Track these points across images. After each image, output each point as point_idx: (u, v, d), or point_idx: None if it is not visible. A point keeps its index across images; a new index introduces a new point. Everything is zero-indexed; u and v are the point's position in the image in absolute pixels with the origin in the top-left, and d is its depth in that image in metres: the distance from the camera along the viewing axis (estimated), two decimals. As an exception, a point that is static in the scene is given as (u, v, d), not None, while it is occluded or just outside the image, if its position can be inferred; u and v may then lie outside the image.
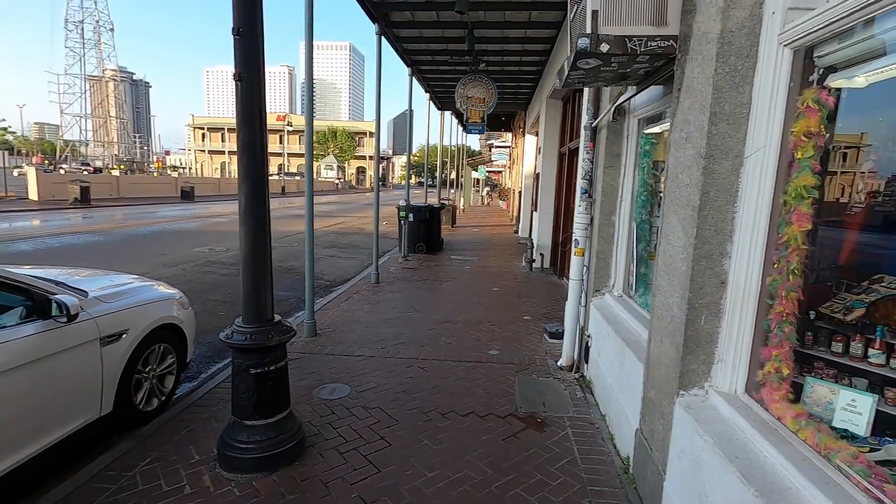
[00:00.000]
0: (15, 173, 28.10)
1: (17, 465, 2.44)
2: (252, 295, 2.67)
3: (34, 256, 9.26)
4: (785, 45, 1.84)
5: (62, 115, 76.33)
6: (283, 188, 43.15)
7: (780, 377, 1.88)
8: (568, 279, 5.16)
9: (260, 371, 2.69)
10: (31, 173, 22.56)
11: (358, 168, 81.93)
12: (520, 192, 16.01)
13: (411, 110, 10.19)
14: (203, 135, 79.97)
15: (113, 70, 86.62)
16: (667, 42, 2.43)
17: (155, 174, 53.84)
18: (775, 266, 1.91)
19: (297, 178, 51.82)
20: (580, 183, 4.27)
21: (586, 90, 4.14)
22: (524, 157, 14.80)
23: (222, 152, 78.80)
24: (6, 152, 23.47)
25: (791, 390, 1.86)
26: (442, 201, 15.02)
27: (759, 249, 1.97)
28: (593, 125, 4.17)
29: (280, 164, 63.68)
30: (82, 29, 76.06)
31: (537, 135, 11.73)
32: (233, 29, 2.49)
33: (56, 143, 76.97)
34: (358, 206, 29.37)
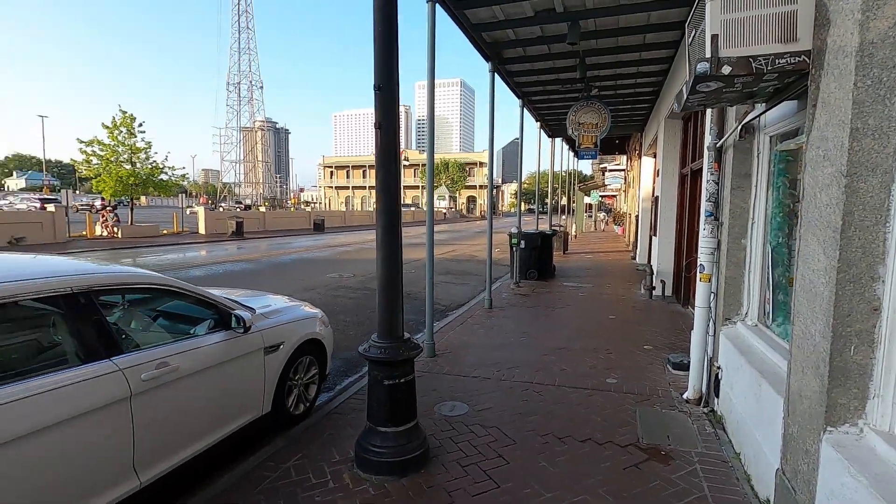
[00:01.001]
0: (188, 212, 33.88)
1: (207, 448, 3.00)
2: (386, 314, 3.02)
3: (205, 280, 11.06)
4: (939, 53, 1.70)
5: (222, 161, 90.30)
6: (400, 219, 45.69)
7: (956, 417, 1.67)
8: (692, 307, 4.86)
9: (392, 382, 3.00)
10: (200, 212, 27.03)
11: (468, 197, 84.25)
12: (636, 217, 15.27)
13: (522, 140, 10.45)
14: (331, 173, 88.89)
15: (261, 121, 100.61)
16: (798, 58, 2.33)
17: (292, 209, 60.72)
18: (942, 291, 1.72)
19: (413, 209, 54.81)
20: (705, 205, 4.08)
21: (709, 110, 4.00)
22: (641, 179, 14.16)
23: (347, 188, 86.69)
24: (183, 195, 28.40)
25: (971, 433, 1.63)
26: (553, 227, 14.91)
27: (920, 273, 1.79)
28: (718, 145, 4.00)
29: (396, 196, 67.82)
30: (239, 89, 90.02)
31: (655, 156, 11.23)
32: (374, 85, 2.92)
33: (217, 186, 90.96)
34: (469, 235, 30.16)
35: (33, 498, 2.09)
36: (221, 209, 50.75)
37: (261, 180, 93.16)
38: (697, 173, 6.81)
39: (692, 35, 2.86)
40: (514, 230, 10.27)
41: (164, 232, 24.48)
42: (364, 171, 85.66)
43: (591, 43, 7.16)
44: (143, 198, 28.37)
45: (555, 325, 6.95)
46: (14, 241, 16.75)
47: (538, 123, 13.11)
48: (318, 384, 4.24)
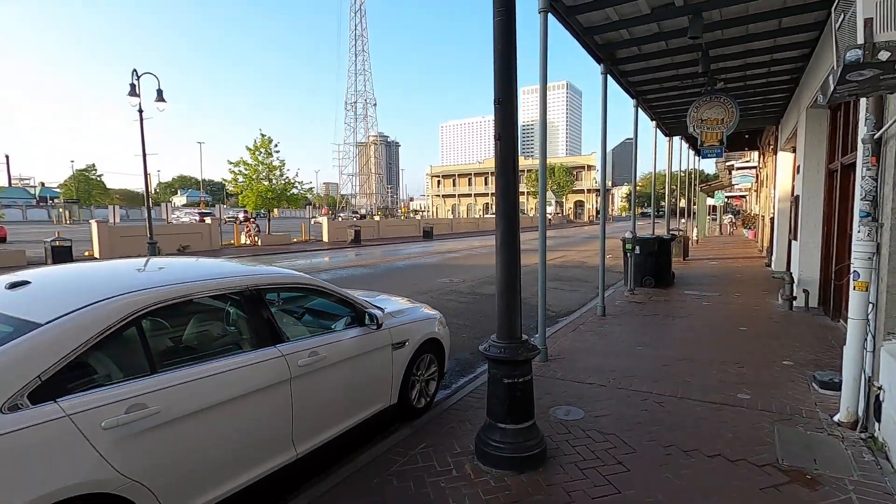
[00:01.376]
0: (312, 222, 37.48)
1: (347, 430, 3.40)
2: (506, 315, 3.17)
3: (331, 282, 12.16)
4: None
5: (340, 175, 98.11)
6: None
7: None
8: (844, 320, 4.32)
9: (510, 381, 3.14)
10: (324, 222, 29.74)
11: (576, 202, 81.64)
12: (772, 219, 13.69)
13: (636, 140, 10.01)
14: (438, 182, 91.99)
15: (374, 136, 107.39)
16: (978, 35, 2.05)
17: (402, 218, 63.91)
18: None
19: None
20: (859, 205, 3.64)
21: (863, 98, 3.57)
22: (776, 177, 12.68)
23: (453, 196, 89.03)
24: (309, 206, 31.43)
25: None
26: (671, 232, 13.97)
27: None
28: (875, 137, 3.55)
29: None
30: (355, 107, 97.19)
31: (794, 151, 10.04)
32: (494, 99, 3.11)
33: (336, 197, 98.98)
34: (577, 240, 29.26)
35: (230, 453, 2.58)
36: (340, 219, 55.12)
37: (374, 191, 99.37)
38: (849, 168, 6.00)
39: (840, 20, 2.63)
40: (628, 235, 9.85)
41: (295, 240, 27.31)
42: (470, 179, 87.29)
43: (717, 34, 6.68)
44: (275, 210, 31.98)
45: (675, 335, 6.56)
46: (181, 249, 19.93)
47: (653, 123, 12.41)
48: (438, 381, 4.52)
